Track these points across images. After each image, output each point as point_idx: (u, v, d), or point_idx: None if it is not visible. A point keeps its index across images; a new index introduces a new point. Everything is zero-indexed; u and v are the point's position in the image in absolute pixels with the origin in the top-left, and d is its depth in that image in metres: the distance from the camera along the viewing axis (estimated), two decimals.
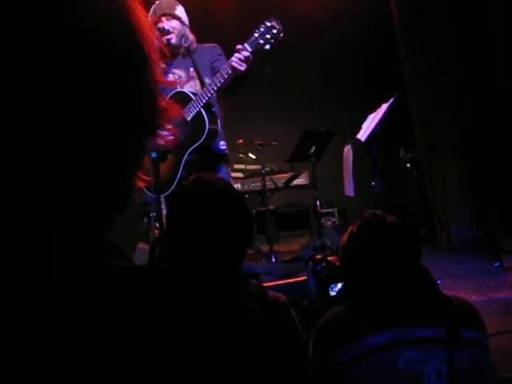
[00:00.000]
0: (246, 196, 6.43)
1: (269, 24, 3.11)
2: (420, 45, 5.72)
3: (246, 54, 3.11)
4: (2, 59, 0.44)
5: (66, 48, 0.46)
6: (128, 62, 0.51)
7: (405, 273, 1.59)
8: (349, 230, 1.75)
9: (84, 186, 0.50)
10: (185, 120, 3.33)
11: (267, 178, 5.99)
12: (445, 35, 5.55)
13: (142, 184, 0.58)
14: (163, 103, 0.56)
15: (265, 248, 5.56)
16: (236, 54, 3.12)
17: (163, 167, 3.37)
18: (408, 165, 6.10)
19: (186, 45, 3.56)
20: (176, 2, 3.60)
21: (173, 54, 3.56)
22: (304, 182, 6.34)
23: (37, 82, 0.45)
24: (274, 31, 3.10)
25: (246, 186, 6.40)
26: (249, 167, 6.60)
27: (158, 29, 3.42)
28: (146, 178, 0.59)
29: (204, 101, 3.26)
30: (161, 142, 0.59)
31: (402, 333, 1.49)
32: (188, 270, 0.58)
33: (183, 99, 3.37)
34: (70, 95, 0.47)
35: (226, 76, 3.16)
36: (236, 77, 3.21)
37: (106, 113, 0.49)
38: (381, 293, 1.57)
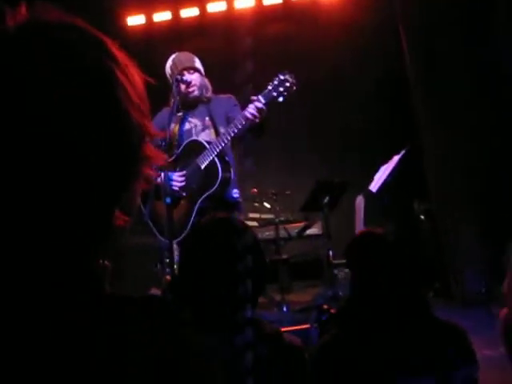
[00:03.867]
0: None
1: (282, 77, 3.24)
2: (434, 97, 5.80)
3: (260, 105, 3.22)
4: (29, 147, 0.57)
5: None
6: (116, 127, 0.64)
7: (404, 303, 1.60)
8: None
9: (75, 226, 0.61)
10: (199, 168, 3.41)
11: (281, 227, 6.01)
12: (459, 85, 5.61)
13: (121, 222, 0.68)
14: (149, 151, 0.67)
15: (277, 297, 5.53)
16: (250, 105, 3.23)
17: (176, 213, 3.43)
18: (422, 216, 6.10)
19: (208, 95, 3.68)
20: (193, 55, 3.75)
21: (192, 103, 3.68)
22: (317, 232, 6.33)
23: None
24: (288, 84, 3.23)
25: (260, 235, 6.40)
26: (263, 216, 6.62)
27: (182, 81, 3.56)
28: (124, 217, 0.68)
29: (218, 150, 3.35)
30: (145, 185, 0.68)
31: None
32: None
33: (198, 147, 3.46)
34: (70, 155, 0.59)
35: (239, 126, 3.26)
36: (251, 127, 3.31)
37: (96, 166, 0.61)
38: (380, 328, 1.58)
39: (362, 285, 1.66)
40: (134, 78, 0.67)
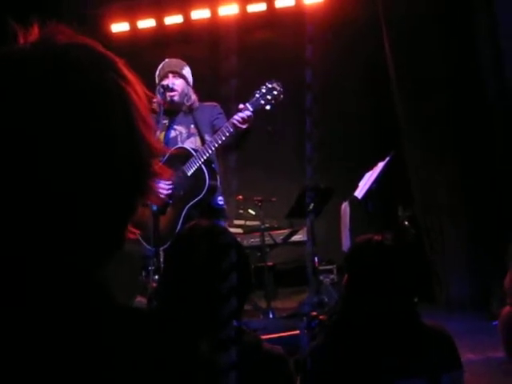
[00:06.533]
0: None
1: (270, 85, 3.29)
2: (417, 107, 5.84)
3: (248, 113, 3.25)
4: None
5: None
6: (129, 156, 0.66)
7: (397, 309, 1.62)
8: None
9: (89, 237, 0.63)
10: (185, 175, 3.41)
11: (266, 233, 6.02)
12: (441, 96, 5.67)
13: (132, 236, 0.70)
14: (156, 167, 0.70)
15: (263, 304, 5.53)
16: (238, 114, 3.26)
17: (163, 220, 3.42)
18: (406, 223, 6.13)
19: (188, 103, 3.68)
20: (184, 63, 3.76)
21: (175, 110, 3.68)
22: (302, 239, 6.33)
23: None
24: (275, 92, 3.29)
25: (245, 242, 6.40)
26: (248, 223, 6.63)
27: (163, 86, 3.55)
28: (135, 230, 0.72)
29: (205, 157, 3.36)
30: (152, 199, 0.70)
31: None
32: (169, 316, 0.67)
33: (184, 154, 3.46)
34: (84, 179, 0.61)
35: (227, 134, 3.29)
36: (238, 135, 3.33)
37: (111, 181, 0.64)
38: (372, 333, 1.59)
39: (358, 289, 1.68)
40: (142, 95, 0.70)
